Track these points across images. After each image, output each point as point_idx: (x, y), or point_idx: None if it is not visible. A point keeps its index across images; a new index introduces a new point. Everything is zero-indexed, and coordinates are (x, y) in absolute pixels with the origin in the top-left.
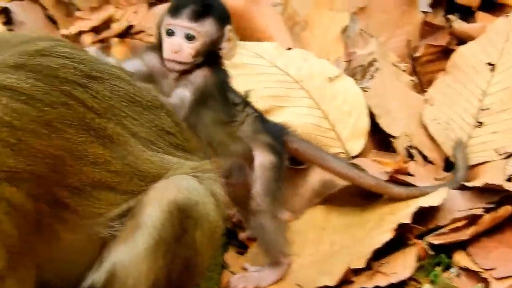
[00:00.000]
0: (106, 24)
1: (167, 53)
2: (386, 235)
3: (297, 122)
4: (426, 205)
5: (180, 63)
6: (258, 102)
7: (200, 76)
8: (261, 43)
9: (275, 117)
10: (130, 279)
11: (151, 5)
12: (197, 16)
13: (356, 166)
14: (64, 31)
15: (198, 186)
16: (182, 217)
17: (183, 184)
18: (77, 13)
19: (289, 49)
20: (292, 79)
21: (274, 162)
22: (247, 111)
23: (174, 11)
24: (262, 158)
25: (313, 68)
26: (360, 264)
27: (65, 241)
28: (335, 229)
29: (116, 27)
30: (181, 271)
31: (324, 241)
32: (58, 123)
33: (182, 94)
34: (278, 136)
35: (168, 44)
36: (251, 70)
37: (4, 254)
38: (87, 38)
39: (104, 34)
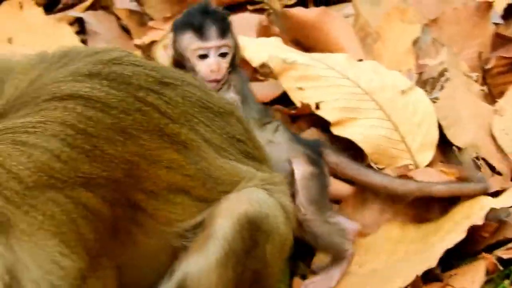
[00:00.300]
0: None
1: (206, 75)
2: (458, 235)
3: (368, 133)
4: (498, 207)
5: (220, 80)
6: (329, 113)
7: (235, 79)
8: (332, 54)
9: (346, 129)
10: (201, 286)
11: None
12: (224, 33)
13: (400, 176)
14: (137, 41)
15: (269, 199)
16: (253, 230)
17: (254, 197)
18: (150, 23)
19: (360, 60)
20: (363, 91)
21: (314, 173)
22: (278, 121)
23: (202, 35)
24: (302, 170)
25: (384, 79)
26: (432, 264)
27: (140, 245)
28: (412, 240)
29: None
30: (251, 284)
31: (399, 250)
32: (132, 130)
33: (230, 97)
34: (314, 148)
35: (205, 66)
36: (322, 82)
37: (84, 255)
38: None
39: None
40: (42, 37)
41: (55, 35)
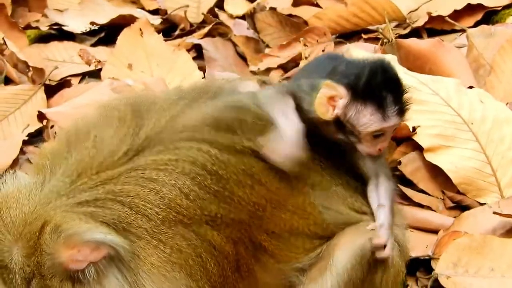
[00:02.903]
0: (295, 61)
1: (372, 152)
2: None
3: (460, 164)
4: None
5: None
6: (424, 139)
7: None
8: (443, 78)
9: (438, 156)
10: None
11: (338, 43)
12: (405, 111)
13: None
14: (253, 68)
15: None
16: (370, 261)
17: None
18: (266, 51)
19: (470, 87)
20: (463, 120)
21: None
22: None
23: (385, 115)
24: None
25: (487, 111)
26: None
27: (259, 281)
28: None
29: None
30: None
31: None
32: (261, 176)
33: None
34: None
35: (374, 144)
36: (424, 106)
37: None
38: (275, 75)
39: (292, 71)
40: (161, 64)
41: (173, 61)
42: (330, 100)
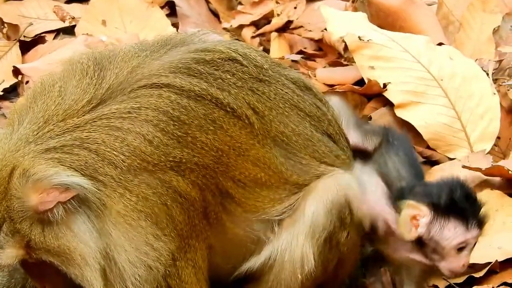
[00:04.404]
0: (266, 18)
1: (456, 266)
2: None
3: (430, 120)
4: None
5: None
6: (394, 95)
7: None
8: (413, 35)
9: (409, 112)
10: (288, 264)
11: (310, 0)
12: (484, 222)
13: None
14: (225, 25)
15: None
16: (340, 214)
17: (343, 182)
18: (239, 8)
19: (440, 44)
20: (432, 76)
21: None
22: None
23: (468, 226)
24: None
25: (456, 67)
26: None
27: (228, 232)
28: (508, 212)
29: (276, 22)
30: (336, 266)
31: (497, 220)
32: (223, 122)
33: None
34: None
35: (459, 258)
36: (394, 63)
37: (175, 237)
38: (247, 32)
39: (264, 29)
40: (134, 20)
41: (147, 18)
42: (413, 219)
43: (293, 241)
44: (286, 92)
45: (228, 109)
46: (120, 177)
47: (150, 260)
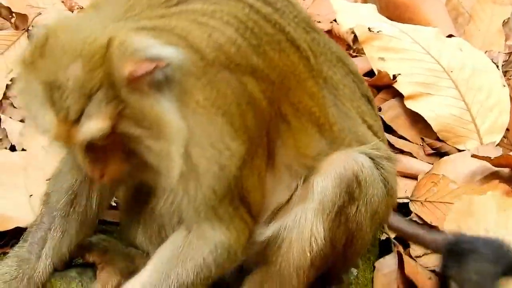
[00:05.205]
0: None
1: None
2: None
3: (440, 111)
4: None
5: None
6: (404, 86)
7: None
8: (423, 27)
9: (418, 104)
10: (296, 243)
11: None
12: None
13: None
14: None
15: (370, 168)
16: (349, 190)
17: (359, 161)
18: None
19: (449, 36)
20: (442, 68)
21: None
22: None
23: None
24: None
25: (466, 59)
26: None
27: (277, 162)
28: None
29: None
30: (345, 243)
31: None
32: (285, 47)
33: None
34: None
35: None
36: (404, 55)
37: (246, 141)
38: None
39: None
40: None
41: None
42: None
43: (301, 218)
44: (332, 46)
45: (289, 38)
46: (206, 68)
47: (224, 159)
